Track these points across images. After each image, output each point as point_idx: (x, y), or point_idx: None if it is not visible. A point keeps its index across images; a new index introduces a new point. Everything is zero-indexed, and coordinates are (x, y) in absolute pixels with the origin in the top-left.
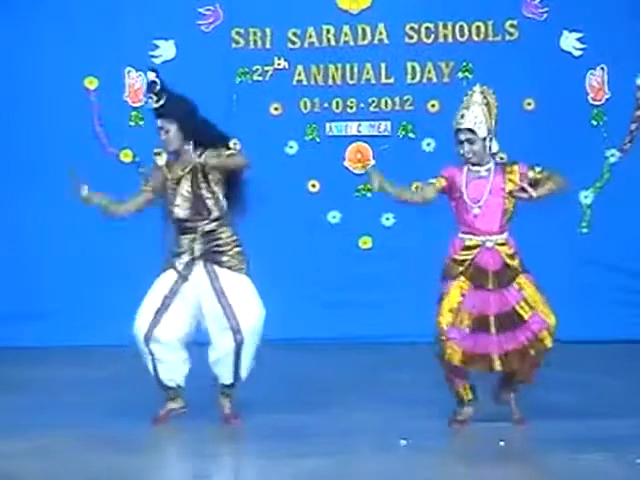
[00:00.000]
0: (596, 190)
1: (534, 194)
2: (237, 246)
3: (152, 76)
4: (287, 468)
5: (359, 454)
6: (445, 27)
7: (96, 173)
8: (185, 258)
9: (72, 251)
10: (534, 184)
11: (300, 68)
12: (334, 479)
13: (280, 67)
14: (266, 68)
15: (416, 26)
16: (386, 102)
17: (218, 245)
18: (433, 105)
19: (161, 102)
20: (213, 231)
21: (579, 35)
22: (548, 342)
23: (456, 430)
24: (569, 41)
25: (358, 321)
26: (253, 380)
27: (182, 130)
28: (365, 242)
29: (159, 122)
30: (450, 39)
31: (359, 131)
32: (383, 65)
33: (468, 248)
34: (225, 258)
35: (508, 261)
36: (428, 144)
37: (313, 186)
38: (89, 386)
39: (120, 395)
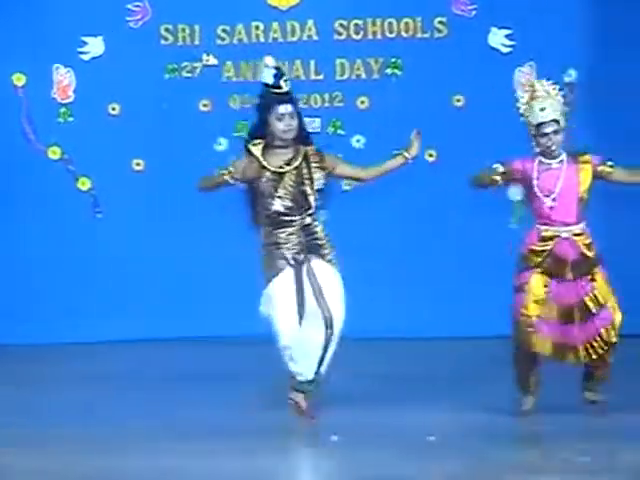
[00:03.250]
0: None
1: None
2: (329, 239)
3: (272, 61)
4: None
5: (291, 451)
6: (374, 24)
7: (23, 170)
8: (288, 253)
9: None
10: (604, 178)
11: (229, 64)
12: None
13: (209, 63)
14: (195, 65)
15: (345, 22)
16: (315, 98)
17: (317, 239)
18: (362, 101)
19: (290, 86)
20: (310, 225)
21: (508, 32)
22: (612, 337)
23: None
24: (497, 38)
25: None
26: None
27: (299, 120)
28: None
29: (288, 107)
30: (379, 36)
31: None
32: (312, 61)
33: (544, 239)
34: (326, 251)
35: (586, 251)
36: (358, 140)
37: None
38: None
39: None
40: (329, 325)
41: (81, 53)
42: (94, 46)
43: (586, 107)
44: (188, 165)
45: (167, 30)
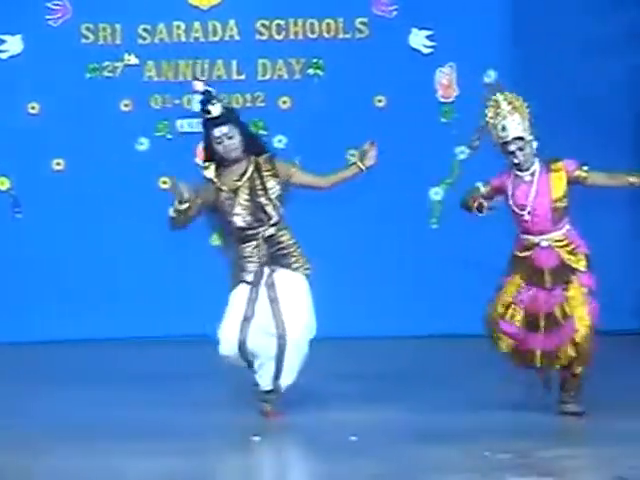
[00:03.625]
0: (446, 186)
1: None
2: (299, 247)
3: (201, 85)
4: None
5: (212, 451)
6: (296, 24)
7: None
8: (252, 267)
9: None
10: (580, 183)
11: (151, 64)
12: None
13: (130, 63)
14: (116, 64)
15: (267, 22)
16: (237, 99)
17: (282, 248)
18: (284, 102)
19: (221, 109)
20: (273, 235)
21: (428, 33)
22: (574, 352)
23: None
24: (418, 39)
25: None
26: None
27: (243, 136)
28: (216, 240)
29: (223, 129)
30: (301, 36)
31: None
32: (234, 61)
33: (526, 248)
34: (292, 259)
35: (566, 257)
36: (280, 140)
37: (164, 183)
38: None
39: None
40: (281, 336)
41: None
42: (12, 44)
43: None
44: (109, 165)
45: (88, 29)
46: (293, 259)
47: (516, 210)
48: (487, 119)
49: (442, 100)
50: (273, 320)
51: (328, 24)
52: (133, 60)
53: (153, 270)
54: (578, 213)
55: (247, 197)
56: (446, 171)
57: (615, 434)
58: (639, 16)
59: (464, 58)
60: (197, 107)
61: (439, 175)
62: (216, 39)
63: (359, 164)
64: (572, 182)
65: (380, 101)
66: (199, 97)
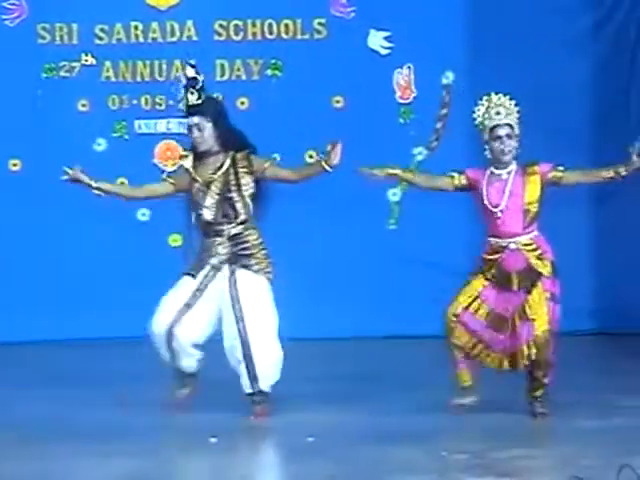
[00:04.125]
0: (404, 187)
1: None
2: (263, 248)
3: (192, 72)
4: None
5: (166, 454)
6: (254, 25)
7: None
8: (212, 261)
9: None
10: (555, 183)
11: (108, 64)
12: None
13: (87, 63)
14: (73, 64)
15: (225, 23)
16: None
17: (245, 248)
18: (242, 102)
19: (201, 99)
20: (239, 234)
21: (386, 34)
22: (533, 355)
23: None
24: (376, 40)
25: None
26: None
27: (216, 129)
28: (175, 240)
29: (194, 119)
30: (259, 37)
31: (168, 128)
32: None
33: (494, 251)
34: (253, 261)
35: (533, 262)
36: None
37: (122, 183)
38: None
39: None
40: (244, 341)
41: None
42: None
43: (464, 108)
44: (66, 165)
45: (44, 29)
46: (255, 261)
47: (489, 208)
48: (479, 111)
49: (400, 101)
50: (235, 324)
51: (286, 25)
52: (90, 60)
53: (112, 269)
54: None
55: (219, 191)
56: None
57: (572, 434)
58: (601, 15)
59: (422, 59)
60: (179, 93)
61: None
62: (174, 39)
63: (324, 164)
64: (547, 184)
65: (338, 102)
66: (183, 83)
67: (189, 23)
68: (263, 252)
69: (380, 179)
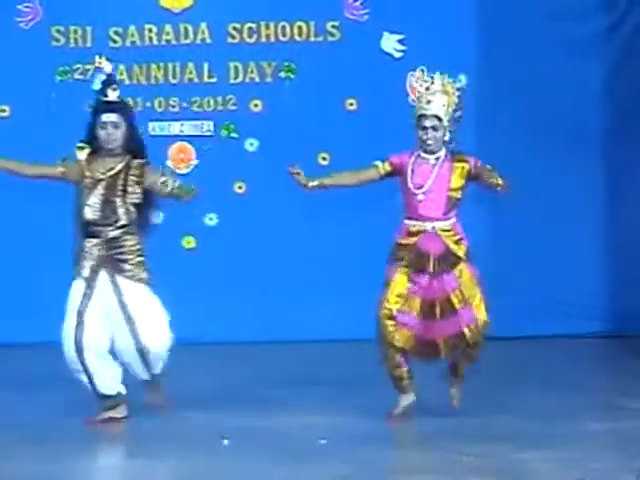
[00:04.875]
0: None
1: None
2: (140, 256)
3: (110, 68)
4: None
5: (175, 454)
6: (267, 27)
7: None
8: (87, 263)
9: None
10: (478, 179)
11: (122, 67)
12: None
13: (101, 66)
14: (87, 67)
15: (238, 26)
16: (209, 102)
17: (121, 253)
18: (256, 105)
19: (117, 97)
20: (117, 238)
21: (400, 37)
22: (472, 338)
23: (396, 422)
24: (390, 42)
25: (180, 322)
26: None
27: (128, 131)
28: (188, 242)
29: (112, 117)
30: (272, 39)
31: (182, 131)
32: (206, 65)
33: (412, 234)
34: (127, 267)
35: (452, 247)
36: (251, 144)
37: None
38: None
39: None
40: (139, 345)
41: None
42: None
43: (475, 111)
44: None
45: (58, 31)
46: (129, 267)
47: (412, 189)
48: (418, 90)
49: (413, 104)
50: (128, 329)
51: (300, 27)
52: (104, 63)
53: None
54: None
55: (104, 192)
56: None
57: (582, 436)
58: (615, 18)
59: (435, 62)
60: (97, 85)
61: None
62: (188, 42)
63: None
64: (472, 178)
65: (351, 104)
66: (102, 77)
67: (203, 26)
68: (139, 259)
69: (302, 184)
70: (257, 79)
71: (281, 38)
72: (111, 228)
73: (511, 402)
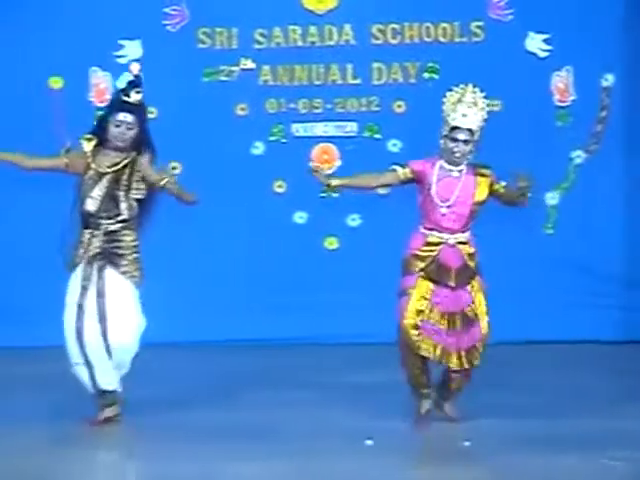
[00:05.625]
0: (562, 191)
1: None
2: (136, 252)
3: (137, 69)
4: (256, 469)
5: (325, 455)
6: (411, 28)
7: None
8: (84, 254)
9: None
10: (494, 195)
11: (266, 68)
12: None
13: (246, 67)
14: (232, 68)
15: (382, 27)
16: (352, 103)
17: (119, 247)
18: (399, 106)
19: (139, 101)
20: (116, 232)
21: (545, 36)
22: (481, 351)
23: (422, 427)
24: (534, 42)
25: (323, 322)
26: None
27: (139, 134)
28: (331, 243)
29: (128, 117)
30: (416, 40)
31: (325, 132)
32: (349, 66)
33: (430, 244)
34: (123, 262)
35: (468, 261)
36: (394, 145)
37: (279, 187)
38: None
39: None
40: (104, 335)
41: (118, 56)
42: (131, 49)
43: (622, 110)
44: (224, 168)
45: (205, 34)
46: (124, 262)
47: (436, 201)
48: (449, 102)
49: (558, 104)
50: (99, 323)
51: (444, 28)
52: (249, 64)
53: (264, 274)
54: None
55: (107, 185)
56: (562, 175)
57: None
58: None
59: (581, 62)
60: (122, 83)
61: (555, 180)
62: (331, 43)
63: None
64: (490, 193)
65: (495, 105)
66: (128, 77)
67: (347, 27)
68: (135, 256)
69: (324, 183)
70: (400, 80)
71: (425, 39)
72: (111, 221)
73: None
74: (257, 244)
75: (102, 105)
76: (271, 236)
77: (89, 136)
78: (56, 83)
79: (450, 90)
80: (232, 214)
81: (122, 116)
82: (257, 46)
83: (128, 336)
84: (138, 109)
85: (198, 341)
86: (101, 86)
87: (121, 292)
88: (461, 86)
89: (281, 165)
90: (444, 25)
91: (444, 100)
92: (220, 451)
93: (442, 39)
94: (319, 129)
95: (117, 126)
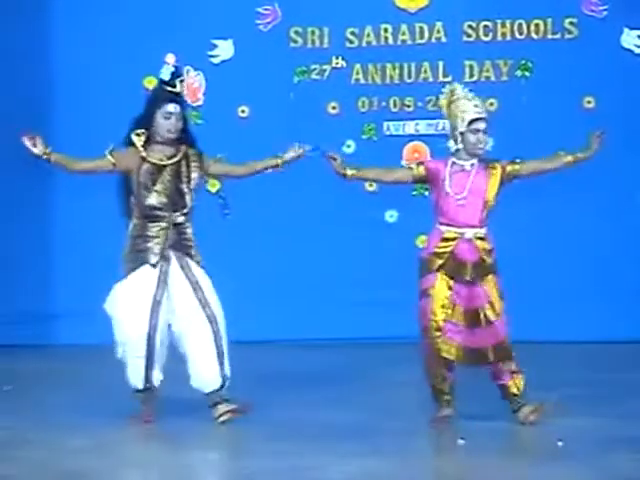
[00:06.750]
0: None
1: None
2: (195, 242)
3: (173, 59)
4: (347, 467)
5: (416, 454)
6: (503, 25)
7: None
8: (156, 247)
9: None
10: (516, 177)
11: (358, 67)
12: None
13: (338, 66)
14: (324, 67)
15: (474, 24)
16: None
17: (186, 239)
18: (491, 104)
19: (183, 88)
20: (182, 224)
21: None
22: (499, 352)
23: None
24: (630, 39)
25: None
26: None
27: (185, 123)
28: (422, 241)
29: (178, 108)
30: (508, 37)
31: (417, 130)
32: (441, 64)
33: (446, 240)
34: (193, 252)
35: (484, 256)
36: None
37: (371, 185)
38: None
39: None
40: (213, 320)
41: (211, 56)
42: (224, 49)
43: None
44: (317, 167)
45: (296, 33)
46: (194, 251)
47: (451, 195)
48: (450, 104)
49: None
50: (200, 305)
51: (537, 25)
52: (341, 63)
53: (354, 272)
54: None
55: (170, 178)
56: None
57: None
58: None
59: None
60: (165, 75)
61: None
62: (423, 41)
63: (278, 159)
64: (507, 179)
65: (589, 102)
66: (170, 69)
67: (438, 25)
68: (196, 244)
69: (339, 172)
70: (492, 78)
71: (517, 36)
72: (177, 214)
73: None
74: (348, 242)
75: (196, 104)
76: (362, 235)
77: (139, 131)
78: (150, 83)
79: (442, 94)
80: (324, 213)
81: (172, 107)
82: (349, 45)
83: (223, 317)
84: (182, 99)
85: (289, 339)
86: (194, 86)
87: (206, 280)
88: (448, 87)
89: (372, 163)
90: (537, 22)
91: (443, 103)
92: (322, 449)
93: (535, 36)
94: (411, 127)
95: (167, 118)
